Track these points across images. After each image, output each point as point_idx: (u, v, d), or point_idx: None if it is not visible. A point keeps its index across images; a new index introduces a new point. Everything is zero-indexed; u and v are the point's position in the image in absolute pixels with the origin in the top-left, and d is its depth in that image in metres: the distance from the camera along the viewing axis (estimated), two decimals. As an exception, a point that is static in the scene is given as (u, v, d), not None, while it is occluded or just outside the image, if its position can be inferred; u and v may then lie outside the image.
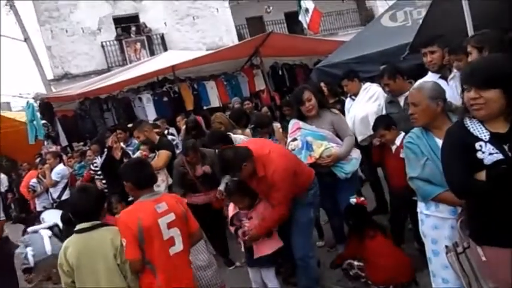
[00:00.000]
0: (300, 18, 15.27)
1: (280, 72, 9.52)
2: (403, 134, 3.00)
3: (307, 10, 15.30)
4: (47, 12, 13.37)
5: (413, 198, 2.23)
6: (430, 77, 2.99)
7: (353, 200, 2.96)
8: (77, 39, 13.63)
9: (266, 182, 2.66)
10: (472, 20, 3.61)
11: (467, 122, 1.64)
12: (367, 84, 4.13)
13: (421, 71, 4.41)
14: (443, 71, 2.96)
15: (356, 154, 3.15)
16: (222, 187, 3.59)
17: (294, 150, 2.96)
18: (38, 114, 6.99)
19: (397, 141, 3.05)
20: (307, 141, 2.95)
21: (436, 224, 2.03)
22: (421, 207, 2.11)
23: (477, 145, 1.56)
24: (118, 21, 14.35)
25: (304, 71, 9.56)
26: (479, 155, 1.54)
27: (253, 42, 8.64)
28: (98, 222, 2.23)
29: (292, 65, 9.77)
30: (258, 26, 17.28)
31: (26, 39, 10.59)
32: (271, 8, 16.48)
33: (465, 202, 1.73)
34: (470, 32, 3.56)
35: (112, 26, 14.14)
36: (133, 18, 14.52)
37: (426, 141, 2.00)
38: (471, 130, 1.61)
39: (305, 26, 15.14)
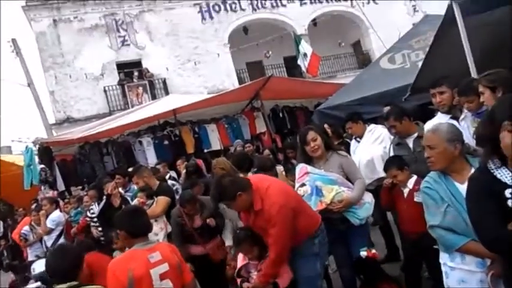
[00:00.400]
0: (299, 62, 15.75)
1: (280, 115, 9.55)
2: (415, 176, 2.87)
3: (305, 54, 15.82)
4: (51, 58, 13.72)
5: (434, 246, 2.05)
6: (440, 118, 2.91)
7: (363, 253, 2.76)
8: (80, 84, 13.88)
9: (263, 217, 2.53)
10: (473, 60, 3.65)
11: (492, 167, 1.51)
12: (372, 125, 4.06)
13: (425, 112, 4.37)
14: (454, 112, 2.89)
15: (369, 198, 2.99)
16: (228, 242, 3.41)
17: (303, 196, 2.81)
18: (36, 159, 6.90)
19: (410, 184, 2.91)
20: (316, 186, 2.81)
21: (463, 278, 1.84)
22: (444, 258, 1.93)
23: (507, 193, 1.42)
24: (121, 66, 14.70)
25: (305, 113, 9.59)
26: (510, 203, 1.41)
27: (254, 85, 8.74)
28: (75, 283, 2.16)
29: (292, 107, 9.82)
30: (258, 70, 17.68)
31: (30, 84, 10.77)
32: (270, 52, 16.98)
33: (499, 256, 1.56)
34: (473, 72, 3.55)
35: (115, 72, 14.45)
36: (136, 64, 14.88)
37: (445, 186, 1.86)
38: (498, 176, 1.48)
39: (304, 69, 15.57)
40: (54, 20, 14.01)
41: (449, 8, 3.67)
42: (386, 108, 4.75)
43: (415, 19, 19.67)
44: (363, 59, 19.33)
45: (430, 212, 1.90)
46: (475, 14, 3.68)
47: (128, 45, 14.89)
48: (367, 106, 5.84)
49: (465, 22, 3.62)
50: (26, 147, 7.44)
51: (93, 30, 14.53)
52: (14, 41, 10.97)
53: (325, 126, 4.80)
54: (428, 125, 2.80)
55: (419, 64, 6.09)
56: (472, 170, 1.80)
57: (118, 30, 14.81)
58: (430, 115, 3.86)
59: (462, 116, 2.74)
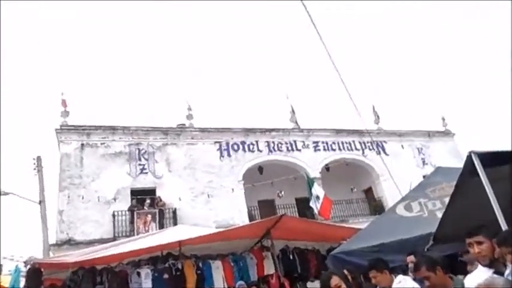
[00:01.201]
0: (311, 204, 15.74)
1: (290, 257, 8.96)
2: None
3: (318, 197, 15.91)
4: (69, 179, 14.09)
5: None
6: (482, 272, 2.56)
7: None
8: (90, 207, 13.85)
9: None
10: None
11: None
12: (400, 277, 3.63)
13: (453, 265, 3.98)
14: (497, 265, 2.55)
15: None
16: None
17: None
18: (22, 281, 6.32)
19: None
20: None
21: None
22: None
23: None
24: (135, 193, 14.88)
25: (317, 256, 9.01)
26: None
27: (265, 223, 8.51)
28: None
29: (303, 249, 9.30)
30: (269, 209, 17.61)
31: (41, 202, 10.77)
32: (283, 192, 17.19)
33: None
34: (502, 222, 3.33)
35: (128, 197, 14.56)
36: (150, 192, 15.07)
37: None
38: None
39: (316, 211, 15.43)
40: (82, 144, 14.92)
41: (469, 159, 3.68)
42: (410, 258, 4.40)
43: (425, 171, 20.32)
44: (375, 205, 19.27)
45: None
46: (494, 167, 3.69)
47: (146, 173, 15.39)
48: (387, 254, 5.48)
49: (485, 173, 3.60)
50: (16, 266, 6.94)
51: (116, 156, 15.28)
52: (38, 158, 11.47)
53: (345, 272, 4.35)
54: (470, 281, 2.44)
55: (438, 213, 6.00)
56: None
57: (139, 159, 15.52)
58: (461, 268, 3.48)
59: (507, 271, 2.39)
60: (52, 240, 12.26)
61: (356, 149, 19.86)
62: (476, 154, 3.58)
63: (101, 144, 15.24)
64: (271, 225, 8.22)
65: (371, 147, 20.05)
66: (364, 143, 20.08)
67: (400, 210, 6.83)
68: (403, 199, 7.12)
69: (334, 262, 6.02)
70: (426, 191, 6.92)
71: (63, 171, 14.14)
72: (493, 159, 3.63)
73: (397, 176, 19.22)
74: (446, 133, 22.04)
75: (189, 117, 17.64)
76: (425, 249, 4.67)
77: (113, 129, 15.67)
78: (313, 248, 9.46)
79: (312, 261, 8.94)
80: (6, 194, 10.87)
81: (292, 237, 9.06)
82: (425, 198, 6.71)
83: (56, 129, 14.86)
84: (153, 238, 8.24)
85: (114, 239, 12.52)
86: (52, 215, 12.98)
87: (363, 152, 19.88)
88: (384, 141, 20.60)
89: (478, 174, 3.62)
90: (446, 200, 6.36)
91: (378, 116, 21.62)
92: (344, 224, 14.66)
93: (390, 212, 7.21)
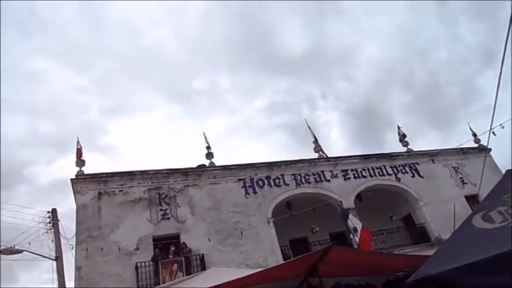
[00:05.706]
0: (351, 237, 14.32)
1: (344, 295, 7.70)
2: None
3: (355, 229, 14.50)
4: (87, 231, 13.03)
5: None
6: None
7: None
8: (110, 259, 12.66)
9: None
10: None
11: None
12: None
13: None
14: None
15: None
16: None
17: None
18: None
19: None
20: None
21: None
22: None
23: None
24: (158, 240, 13.71)
25: (374, 293, 7.72)
26: None
27: (309, 257, 7.37)
28: None
29: (356, 286, 8.03)
30: (303, 247, 16.18)
31: (57, 258, 9.77)
32: (317, 228, 15.85)
33: None
34: None
35: (150, 246, 13.37)
36: (174, 238, 13.89)
37: None
38: None
39: (355, 246, 13.96)
40: (99, 193, 14.05)
41: None
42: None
43: (465, 191, 18.79)
44: (418, 232, 17.61)
45: None
46: None
47: (168, 218, 14.31)
48: (478, 276, 4.46)
49: None
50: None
51: (136, 203, 14.33)
52: (53, 211, 10.64)
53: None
54: None
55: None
56: None
57: (160, 204, 14.54)
58: None
59: None
60: (71, 300, 11.10)
61: (388, 173, 18.55)
62: None
63: (119, 191, 14.35)
64: (318, 260, 7.08)
65: (404, 171, 18.73)
66: (395, 166, 18.79)
67: (478, 223, 5.89)
68: (478, 210, 6.22)
69: (415, 292, 4.92)
70: (502, 198, 6.07)
71: (80, 223, 13.14)
72: None
73: (436, 199, 17.79)
74: (481, 149, 20.57)
75: (209, 155, 16.84)
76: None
77: (131, 174, 14.86)
78: (367, 283, 8.20)
79: (369, 298, 7.63)
80: (19, 251, 9.98)
81: (342, 273, 7.83)
82: (503, 205, 5.93)
83: (72, 179, 14.07)
84: (185, 284, 7.14)
85: (137, 293, 11.31)
86: (69, 272, 11.90)
87: (396, 177, 18.54)
88: (417, 163, 19.28)
89: None
90: (532, 203, 5.38)
91: (404, 136, 20.45)
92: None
93: (466, 226, 6.14)
